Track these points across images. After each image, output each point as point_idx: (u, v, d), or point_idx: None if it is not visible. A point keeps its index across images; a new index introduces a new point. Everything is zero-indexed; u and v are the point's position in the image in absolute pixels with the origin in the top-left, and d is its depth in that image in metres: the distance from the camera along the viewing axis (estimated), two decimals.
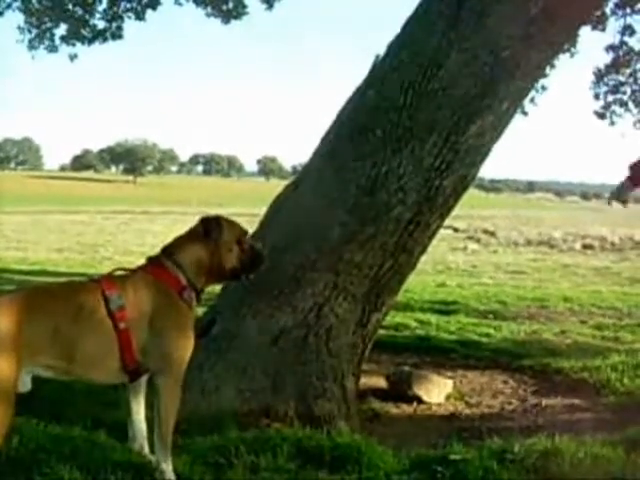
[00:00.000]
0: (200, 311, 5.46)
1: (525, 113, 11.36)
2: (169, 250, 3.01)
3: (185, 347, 2.93)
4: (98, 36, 11.28)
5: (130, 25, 11.12)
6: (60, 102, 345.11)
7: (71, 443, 3.19)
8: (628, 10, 10.19)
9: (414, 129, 3.86)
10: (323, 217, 3.90)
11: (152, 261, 3.00)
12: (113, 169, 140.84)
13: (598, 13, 9.09)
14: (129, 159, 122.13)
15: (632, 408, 4.41)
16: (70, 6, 11.07)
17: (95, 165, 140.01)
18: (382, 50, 4.12)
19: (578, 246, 30.73)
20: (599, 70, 11.26)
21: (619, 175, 4.12)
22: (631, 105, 11.69)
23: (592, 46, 11.70)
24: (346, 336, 4.05)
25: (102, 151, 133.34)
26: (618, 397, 4.66)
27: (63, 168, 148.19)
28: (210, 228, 3.01)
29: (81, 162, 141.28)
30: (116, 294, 2.80)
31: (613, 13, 10.23)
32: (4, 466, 2.94)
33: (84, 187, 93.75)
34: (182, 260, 2.96)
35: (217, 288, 4.84)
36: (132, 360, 2.82)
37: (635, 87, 11.42)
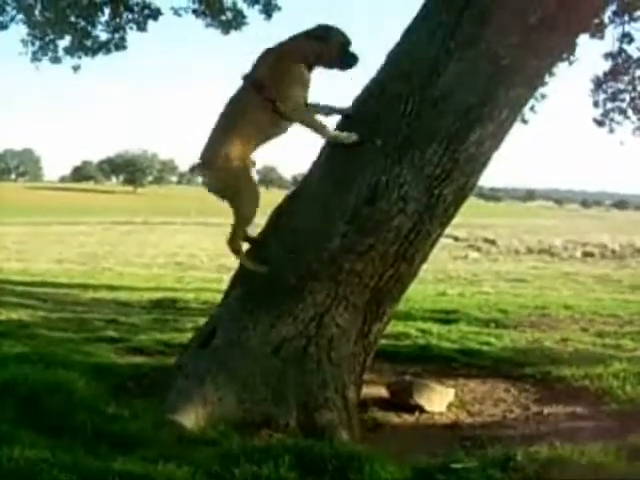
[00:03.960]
0: (200, 321, 5.47)
1: (525, 121, 11.36)
2: None
3: None
4: (102, 47, 11.31)
5: (130, 36, 11.16)
6: (60, 113, 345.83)
7: (72, 454, 3.18)
8: (626, 18, 10.22)
9: (414, 138, 3.87)
10: (323, 226, 3.91)
11: None
12: (113, 180, 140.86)
13: (597, 21, 9.11)
14: (129, 170, 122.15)
15: (634, 416, 4.40)
16: (73, 18, 11.11)
17: (95, 176, 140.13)
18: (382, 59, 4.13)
19: (579, 254, 30.83)
20: (598, 78, 11.28)
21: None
22: (630, 112, 11.71)
23: (591, 54, 11.73)
24: (347, 346, 4.04)
25: (102, 162, 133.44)
26: (620, 405, 4.64)
27: (63, 179, 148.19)
28: None
29: (81, 173, 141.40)
30: None
31: (611, 21, 10.26)
32: (5, 477, 2.94)
33: (84, 198, 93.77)
34: None
35: (218, 297, 4.84)
36: None
37: (634, 94, 11.43)
